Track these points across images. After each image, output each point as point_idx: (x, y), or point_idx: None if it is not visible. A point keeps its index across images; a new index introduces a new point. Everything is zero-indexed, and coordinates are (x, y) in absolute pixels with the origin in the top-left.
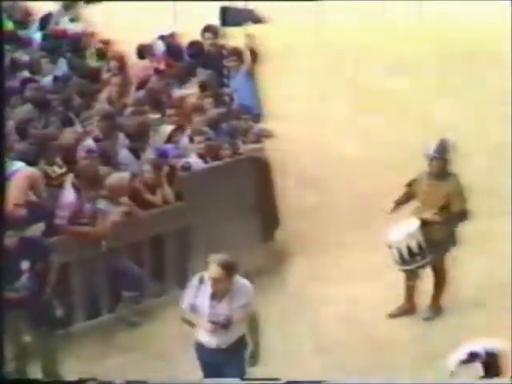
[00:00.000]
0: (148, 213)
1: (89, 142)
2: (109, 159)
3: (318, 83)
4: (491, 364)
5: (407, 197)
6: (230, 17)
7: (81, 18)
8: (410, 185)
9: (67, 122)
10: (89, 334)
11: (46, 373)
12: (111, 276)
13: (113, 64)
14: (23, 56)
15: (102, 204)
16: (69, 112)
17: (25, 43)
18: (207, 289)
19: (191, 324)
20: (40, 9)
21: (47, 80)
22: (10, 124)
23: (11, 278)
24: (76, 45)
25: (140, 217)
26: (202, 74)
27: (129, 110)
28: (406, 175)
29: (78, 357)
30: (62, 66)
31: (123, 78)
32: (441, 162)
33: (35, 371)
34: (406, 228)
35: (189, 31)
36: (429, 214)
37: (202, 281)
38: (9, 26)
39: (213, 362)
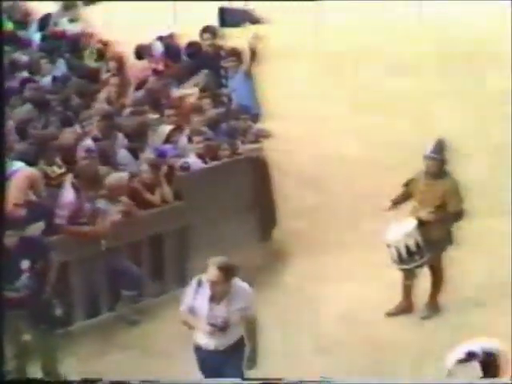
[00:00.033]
0: (147, 212)
1: (88, 142)
2: (108, 159)
3: (317, 83)
4: (490, 364)
5: (404, 196)
6: (228, 17)
7: (80, 18)
8: (407, 184)
9: (66, 122)
10: (88, 332)
11: (46, 372)
12: (111, 275)
13: (112, 64)
14: (22, 57)
15: (101, 203)
16: (68, 112)
17: (24, 44)
18: (206, 291)
19: (190, 326)
20: (40, 9)
21: (46, 80)
22: (10, 124)
23: (11, 277)
24: (75, 45)
25: (139, 216)
26: (201, 74)
27: (128, 110)
28: (406, 175)
29: (78, 355)
30: (60, 67)
31: (122, 79)
32: (437, 161)
33: (35, 370)
34: (403, 227)
35: (189, 31)
36: (425, 213)
37: (200, 283)
38: (9, 26)
39: (211, 363)
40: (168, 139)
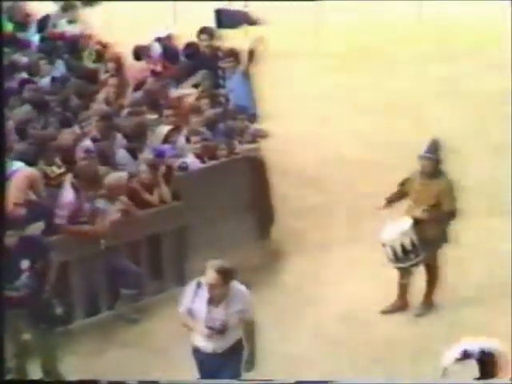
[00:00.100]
0: (146, 212)
1: (87, 143)
2: (107, 159)
3: (317, 83)
4: (488, 363)
5: (399, 195)
6: (224, 19)
7: (79, 19)
8: (402, 184)
9: (65, 123)
10: (88, 331)
11: (46, 370)
12: (110, 274)
13: (110, 65)
14: (22, 58)
15: (100, 203)
16: (67, 113)
17: (23, 45)
18: (204, 294)
19: (190, 328)
20: (40, 10)
21: (45, 81)
22: (10, 124)
23: (11, 276)
24: (73, 47)
25: (138, 216)
26: (198, 74)
27: (126, 110)
28: (406, 175)
29: (78, 354)
30: (59, 68)
31: (120, 80)
32: (432, 161)
33: (35, 369)
34: (399, 226)
35: (189, 31)
36: (419, 212)
37: (199, 286)
38: (8, 27)
39: (209, 366)
40: (166, 139)
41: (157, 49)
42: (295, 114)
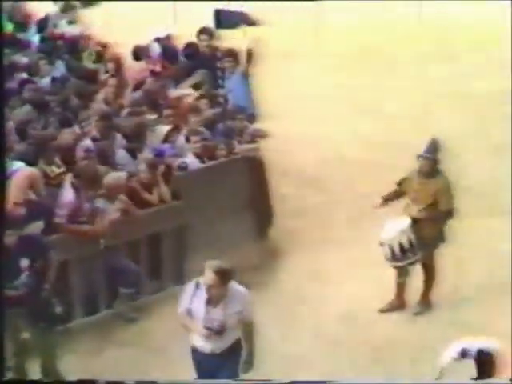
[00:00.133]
0: (145, 211)
1: (87, 142)
2: (106, 159)
3: (317, 83)
4: (486, 363)
5: (396, 194)
6: (223, 19)
7: (78, 20)
8: (400, 183)
9: (65, 123)
10: (87, 329)
11: (45, 369)
12: (109, 273)
13: (110, 66)
14: (22, 58)
15: (100, 203)
16: (67, 113)
17: (23, 45)
18: (203, 294)
19: (188, 328)
20: (40, 10)
21: (45, 81)
22: (10, 125)
23: (11, 275)
24: (73, 47)
25: (137, 215)
26: (197, 74)
27: (126, 110)
28: (405, 175)
29: (77, 352)
30: (59, 68)
31: (120, 80)
32: (430, 161)
33: (34, 367)
34: (397, 226)
35: (189, 31)
36: (415, 211)
37: (197, 286)
38: (9, 27)
39: (207, 366)
40: (166, 139)
41: (156, 49)
42: (295, 114)
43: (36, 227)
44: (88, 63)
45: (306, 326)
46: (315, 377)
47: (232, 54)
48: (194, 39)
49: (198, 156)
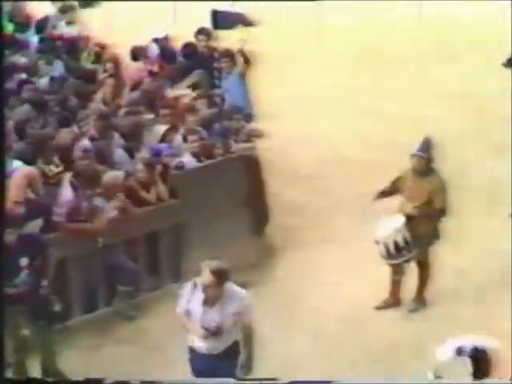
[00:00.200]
0: (143, 210)
1: (85, 142)
2: (104, 158)
3: (317, 83)
4: (481, 361)
5: (391, 191)
6: (220, 20)
7: (77, 21)
8: (394, 182)
9: (64, 122)
10: (86, 327)
11: (45, 365)
12: (107, 271)
13: (108, 66)
14: (21, 59)
15: (98, 201)
16: (65, 112)
17: (22, 46)
18: (199, 294)
19: (187, 329)
20: (39, 11)
21: (44, 81)
22: (10, 124)
23: (11, 274)
24: (72, 48)
25: (135, 214)
26: (194, 74)
27: (123, 110)
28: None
29: (76, 349)
30: (58, 68)
31: (117, 80)
32: (424, 160)
33: (34, 364)
34: (392, 224)
35: (189, 31)
36: (410, 208)
37: (195, 286)
38: (9, 28)
39: (204, 367)
40: (163, 139)
41: (154, 49)
42: (295, 114)
43: (35, 226)
44: (86, 63)
45: (303, 324)
46: (313, 376)
47: (229, 55)
48: (193, 39)
49: (195, 155)
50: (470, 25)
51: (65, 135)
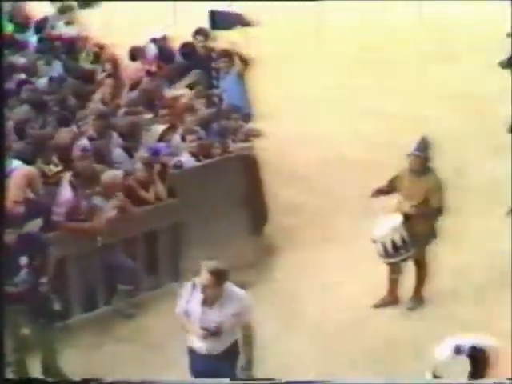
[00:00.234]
0: (141, 209)
1: (84, 141)
2: (103, 158)
3: (317, 83)
4: (479, 359)
5: (388, 189)
6: (218, 20)
7: (76, 21)
8: (390, 181)
9: (63, 122)
10: (86, 326)
11: (45, 364)
12: (107, 270)
13: (107, 66)
14: (20, 59)
15: (97, 200)
16: (64, 112)
17: (21, 46)
18: (198, 295)
19: (186, 329)
20: (40, 12)
21: (43, 82)
22: (10, 124)
23: (11, 273)
24: (71, 48)
25: (134, 213)
26: (193, 74)
27: (122, 110)
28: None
29: (76, 348)
30: (57, 68)
31: (116, 80)
32: (421, 159)
33: (34, 363)
34: (389, 223)
35: (189, 31)
36: (407, 207)
37: (194, 287)
38: (8, 28)
39: (203, 367)
40: (161, 138)
41: (152, 49)
42: (296, 114)
43: (34, 225)
44: (85, 64)
45: (302, 323)
46: (312, 375)
47: (227, 55)
48: (190, 39)
49: (194, 155)
50: (470, 25)
51: (64, 135)
